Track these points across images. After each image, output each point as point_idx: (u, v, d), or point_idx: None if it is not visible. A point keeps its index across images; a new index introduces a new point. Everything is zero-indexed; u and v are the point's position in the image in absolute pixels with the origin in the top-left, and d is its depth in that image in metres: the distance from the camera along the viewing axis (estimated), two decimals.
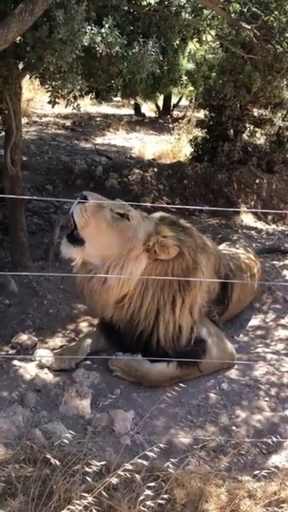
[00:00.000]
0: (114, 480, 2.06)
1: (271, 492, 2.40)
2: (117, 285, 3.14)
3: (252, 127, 8.51)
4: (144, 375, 3.30)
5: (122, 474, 2.07)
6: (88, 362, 3.49)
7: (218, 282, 3.71)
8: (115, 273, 3.11)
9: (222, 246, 4.50)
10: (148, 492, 2.09)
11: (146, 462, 2.17)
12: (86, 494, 2.03)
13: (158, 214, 3.54)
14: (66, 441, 2.30)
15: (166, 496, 2.16)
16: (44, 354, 3.44)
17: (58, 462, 2.19)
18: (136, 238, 3.18)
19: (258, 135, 8.76)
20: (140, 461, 2.15)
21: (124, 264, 3.13)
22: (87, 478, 2.17)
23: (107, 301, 3.24)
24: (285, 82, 6.15)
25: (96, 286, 3.17)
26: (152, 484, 2.16)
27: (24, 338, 3.71)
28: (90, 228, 3.07)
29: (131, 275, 3.13)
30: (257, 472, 2.46)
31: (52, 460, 2.17)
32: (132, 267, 3.14)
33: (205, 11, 4.88)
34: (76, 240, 3.12)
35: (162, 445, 2.48)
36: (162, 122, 12.81)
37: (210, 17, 5.00)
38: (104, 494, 2.07)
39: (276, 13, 4.75)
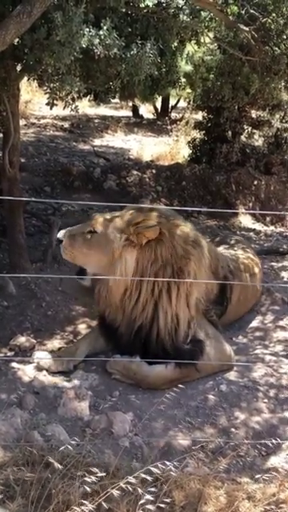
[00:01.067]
0: (116, 492, 2.05)
1: (270, 494, 2.40)
2: (115, 285, 3.38)
3: (250, 129, 8.51)
4: (143, 378, 3.30)
5: (124, 486, 2.06)
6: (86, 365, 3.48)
7: (217, 284, 3.72)
8: (112, 275, 3.38)
9: (221, 249, 4.49)
10: (148, 496, 2.08)
11: (149, 478, 2.15)
12: (85, 500, 2.02)
13: (130, 208, 3.69)
14: (69, 447, 2.29)
15: (164, 498, 2.16)
16: (42, 356, 3.44)
17: (57, 465, 2.18)
18: (110, 242, 3.44)
19: (256, 137, 8.76)
20: (143, 475, 2.14)
21: (114, 265, 3.40)
22: (86, 480, 2.16)
23: (114, 302, 3.47)
24: (283, 84, 6.14)
25: (103, 294, 3.50)
26: (152, 489, 2.15)
27: (22, 340, 3.70)
28: (78, 257, 3.58)
29: (123, 273, 3.37)
30: (258, 476, 2.46)
31: (54, 464, 2.16)
32: (121, 266, 3.38)
33: (203, 13, 4.87)
34: (81, 274, 3.66)
35: (161, 448, 2.46)
36: (160, 124, 12.81)
37: (207, 19, 4.99)
38: (103, 503, 2.06)
39: (274, 15, 4.74)
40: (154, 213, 3.50)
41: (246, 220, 7.67)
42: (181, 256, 3.42)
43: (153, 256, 3.39)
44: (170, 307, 3.39)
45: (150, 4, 4.34)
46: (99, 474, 2.17)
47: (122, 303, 3.44)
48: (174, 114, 13.42)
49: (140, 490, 2.10)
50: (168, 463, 2.26)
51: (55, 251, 5.07)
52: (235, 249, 4.55)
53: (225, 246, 4.65)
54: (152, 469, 2.17)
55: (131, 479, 2.08)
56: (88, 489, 2.12)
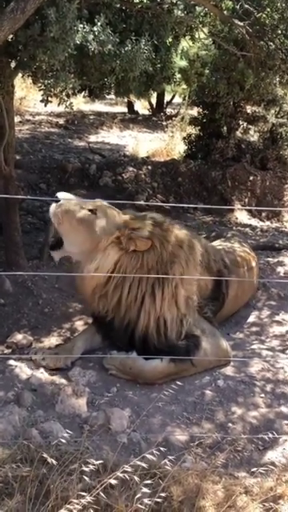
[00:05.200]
0: (113, 481, 2.06)
1: (267, 488, 2.42)
2: (90, 276, 3.39)
3: (245, 124, 8.51)
4: (139, 372, 3.31)
5: (121, 475, 2.07)
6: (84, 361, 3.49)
7: (211, 279, 3.72)
8: (87, 265, 3.37)
9: (217, 243, 4.50)
10: (145, 490, 2.10)
11: (145, 465, 2.17)
12: (83, 493, 2.03)
13: (132, 212, 3.70)
14: (63, 440, 2.30)
15: (162, 494, 2.17)
16: (40, 354, 3.44)
17: (54, 462, 2.19)
18: (102, 231, 3.40)
19: (251, 132, 8.75)
20: (139, 463, 2.16)
21: (94, 256, 3.37)
22: (84, 477, 2.17)
23: (87, 292, 3.51)
24: (277, 79, 6.14)
25: (78, 280, 3.52)
26: (149, 482, 2.16)
27: (19, 337, 3.70)
28: (64, 225, 3.43)
29: (100, 266, 3.36)
30: (254, 469, 2.47)
31: (49, 459, 2.17)
32: (100, 258, 3.37)
33: (197, 8, 4.86)
34: (55, 246, 3.57)
35: (160, 447, 2.48)
36: (155, 120, 12.79)
37: (202, 14, 4.98)
38: (101, 492, 2.07)
39: (268, 10, 4.74)
40: (150, 222, 3.49)
41: (241, 216, 7.68)
42: (166, 261, 3.43)
43: (138, 264, 3.39)
44: (154, 309, 3.39)
45: None
46: (97, 463, 2.18)
47: (93, 295, 3.45)
48: (169, 110, 13.40)
49: (138, 485, 2.11)
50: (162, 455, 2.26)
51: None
52: (232, 242, 4.56)
53: (221, 239, 4.66)
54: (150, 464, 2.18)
55: (127, 468, 2.09)
56: (87, 479, 2.13)
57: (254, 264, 4.38)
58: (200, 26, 4.97)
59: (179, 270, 3.44)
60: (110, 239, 3.39)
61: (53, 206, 3.45)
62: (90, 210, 3.44)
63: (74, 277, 3.60)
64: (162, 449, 2.41)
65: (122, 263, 3.40)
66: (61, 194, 3.50)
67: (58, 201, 3.44)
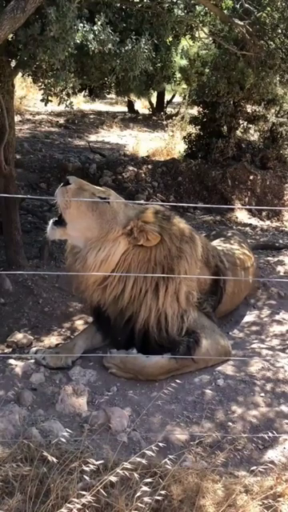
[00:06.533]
0: (113, 478, 2.07)
1: (267, 487, 2.42)
2: (94, 266, 3.25)
3: (245, 123, 8.52)
4: (140, 369, 3.31)
5: (121, 472, 2.08)
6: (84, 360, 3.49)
7: (209, 273, 3.72)
8: (94, 254, 3.24)
9: (216, 242, 4.51)
10: (145, 488, 2.10)
11: (144, 461, 2.18)
12: (83, 492, 2.04)
13: (146, 206, 3.60)
14: (63, 439, 2.30)
15: (163, 492, 2.17)
16: (40, 353, 3.44)
17: (55, 461, 2.19)
18: (115, 221, 3.28)
19: (251, 131, 8.77)
20: (138, 459, 2.16)
21: (102, 245, 3.24)
22: (85, 476, 2.17)
23: (87, 281, 3.33)
24: (278, 78, 6.15)
25: (78, 268, 3.30)
26: (149, 480, 2.17)
27: (20, 336, 3.71)
28: (71, 210, 3.24)
29: (108, 256, 3.24)
30: (253, 467, 2.47)
31: (49, 458, 2.17)
32: (110, 249, 3.25)
33: (197, 8, 4.87)
34: (59, 222, 3.31)
35: (159, 443, 2.48)
36: (155, 119, 12.80)
37: (202, 13, 4.99)
38: (101, 491, 2.08)
39: (268, 9, 4.75)
40: (160, 215, 3.42)
41: (242, 215, 7.69)
42: (173, 256, 3.38)
43: (146, 258, 3.33)
44: (156, 305, 3.34)
45: None
46: (97, 462, 2.18)
47: (94, 285, 3.32)
48: (169, 109, 13.41)
49: (138, 484, 2.11)
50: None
51: (51, 248, 5.08)
52: (231, 241, 4.56)
53: (221, 238, 4.66)
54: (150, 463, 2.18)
55: (127, 465, 2.10)
56: (87, 478, 2.13)
57: (249, 264, 4.38)
58: (200, 25, 4.97)
59: (184, 266, 3.40)
60: (122, 230, 3.27)
61: (60, 189, 3.26)
62: (101, 198, 3.30)
63: (72, 265, 3.38)
64: (162, 446, 2.41)
65: (127, 256, 3.32)
66: (71, 177, 3.32)
67: (67, 182, 3.25)
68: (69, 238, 3.42)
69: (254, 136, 8.82)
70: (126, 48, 3.67)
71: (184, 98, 9.11)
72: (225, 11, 4.92)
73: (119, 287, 3.33)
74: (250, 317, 4.35)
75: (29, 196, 6.50)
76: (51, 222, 3.36)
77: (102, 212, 3.27)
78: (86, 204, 3.25)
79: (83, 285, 3.38)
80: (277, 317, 4.32)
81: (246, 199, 8.08)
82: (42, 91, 3.64)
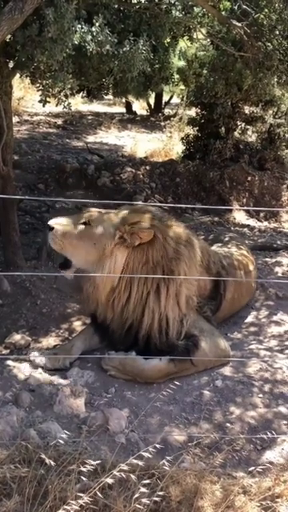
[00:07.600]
0: (110, 480, 2.07)
1: (266, 488, 2.41)
2: (102, 283, 3.39)
3: (243, 125, 8.53)
4: (139, 372, 3.31)
5: (118, 474, 2.07)
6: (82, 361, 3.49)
7: (210, 280, 3.73)
8: (98, 273, 3.37)
9: (214, 248, 4.49)
10: (143, 490, 2.10)
11: (141, 463, 2.17)
12: (81, 494, 2.03)
13: (126, 208, 3.67)
14: (60, 441, 2.30)
15: (161, 493, 2.17)
16: (38, 354, 3.44)
17: (52, 462, 2.19)
18: (103, 237, 3.40)
19: (249, 133, 8.78)
20: (135, 461, 2.16)
21: (104, 263, 3.39)
22: (83, 477, 2.17)
23: (100, 299, 3.45)
24: (275, 80, 6.15)
25: (90, 290, 3.47)
26: (147, 482, 2.17)
27: (17, 337, 3.70)
28: (66, 248, 3.47)
29: (111, 271, 3.37)
30: (251, 468, 2.47)
31: (47, 460, 2.17)
32: (110, 264, 3.38)
33: (195, 9, 4.87)
34: (65, 265, 3.58)
35: (157, 444, 2.48)
36: (153, 120, 12.81)
37: (200, 14, 4.99)
38: (99, 493, 2.07)
39: (266, 10, 4.74)
40: (148, 215, 3.48)
41: (240, 216, 7.69)
42: (171, 258, 3.42)
43: (144, 258, 3.38)
44: (159, 308, 3.39)
45: (143, 0, 4.32)
46: (95, 463, 2.18)
47: (108, 302, 3.43)
48: (167, 111, 13.42)
49: (136, 486, 2.11)
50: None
51: (49, 249, 5.07)
52: (229, 246, 4.56)
53: (218, 244, 4.65)
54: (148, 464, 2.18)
55: (124, 466, 2.10)
56: (85, 479, 2.13)
57: (251, 268, 4.38)
58: (198, 26, 4.98)
59: (184, 268, 3.44)
60: (114, 241, 3.38)
61: (50, 236, 3.48)
62: (83, 224, 3.45)
63: (84, 290, 3.56)
64: (160, 447, 2.41)
65: (129, 261, 3.39)
66: (51, 221, 3.50)
67: (51, 229, 3.46)
68: (80, 268, 3.58)
69: (251, 137, 8.83)
70: (124, 49, 3.67)
71: (182, 99, 9.12)
72: (223, 12, 4.92)
73: (125, 295, 3.41)
74: (248, 318, 4.35)
75: (27, 197, 6.50)
76: (59, 269, 3.67)
77: (90, 235, 3.42)
78: (75, 236, 3.43)
79: (97, 304, 3.49)
80: (275, 318, 4.32)
81: (244, 200, 8.09)
82: (39, 92, 3.64)
